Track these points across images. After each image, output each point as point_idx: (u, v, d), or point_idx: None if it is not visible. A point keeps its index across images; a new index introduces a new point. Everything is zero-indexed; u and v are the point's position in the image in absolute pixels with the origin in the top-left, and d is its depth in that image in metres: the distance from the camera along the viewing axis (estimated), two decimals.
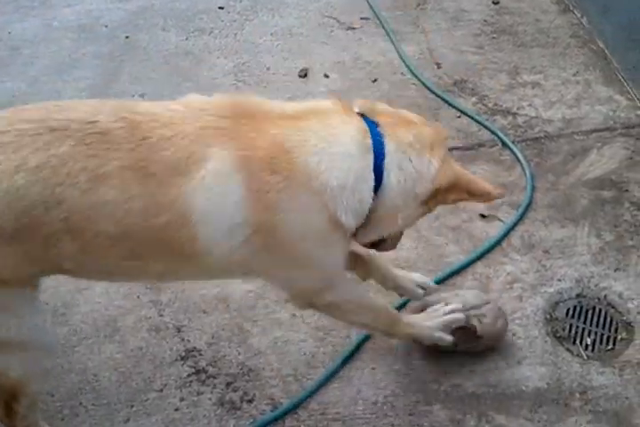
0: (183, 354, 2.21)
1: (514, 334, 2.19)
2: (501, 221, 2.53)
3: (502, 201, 2.52)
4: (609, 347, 2.17)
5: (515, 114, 2.98)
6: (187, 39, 3.58)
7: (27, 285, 1.53)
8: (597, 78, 3.16)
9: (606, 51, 3.27)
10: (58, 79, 3.31)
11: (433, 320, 1.99)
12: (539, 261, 2.40)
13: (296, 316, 2.28)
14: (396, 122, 1.56)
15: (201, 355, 2.20)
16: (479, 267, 2.39)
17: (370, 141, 1.51)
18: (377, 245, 1.80)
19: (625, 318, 2.24)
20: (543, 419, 2.00)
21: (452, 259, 2.42)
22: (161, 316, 2.30)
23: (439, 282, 2.32)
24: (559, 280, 2.34)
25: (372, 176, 1.50)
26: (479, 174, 2.54)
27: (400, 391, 2.08)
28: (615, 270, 2.36)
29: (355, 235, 1.63)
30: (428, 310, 2.04)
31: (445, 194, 1.62)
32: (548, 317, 2.25)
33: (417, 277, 2.14)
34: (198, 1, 3.87)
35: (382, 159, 1.51)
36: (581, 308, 2.27)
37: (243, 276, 1.74)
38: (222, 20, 3.70)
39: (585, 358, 2.13)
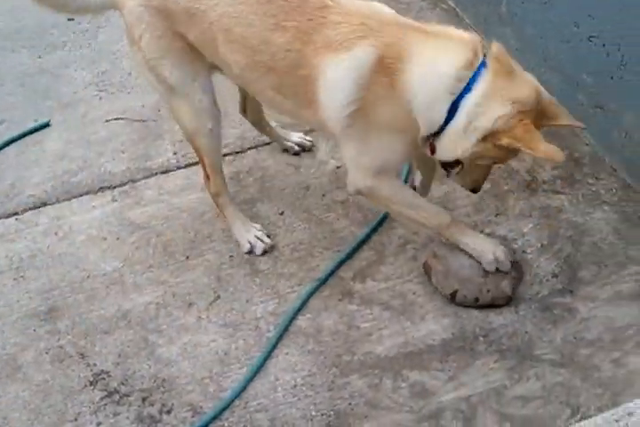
0: (92, 379, 2.25)
1: (414, 293, 2.37)
2: None
3: None
4: None
5: None
6: (40, 57, 3.59)
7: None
8: None
9: (457, 9, 3.51)
10: None
11: (494, 241, 2.28)
12: None
13: (201, 318, 2.38)
14: (502, 70, 1.91)
15: (110, 376, 2.25)
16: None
17: (469, 75, 1.90)
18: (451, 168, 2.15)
19: (512, 258, 2.44)
20: (453, 367, 2.18)
21: (345, 233, 2.57)
22: (61, 345, 2.34)
23: (342, 262, 2.47)
24: None
25: (449, 101, 1.91)
26: None
27: (316, 370, 2.21)
28: (496, 215, 2.57)
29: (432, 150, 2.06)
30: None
31: (500, 137, 1.88)
32: None
33: None
34: (45, 16, 3.83)
35: (467, 93, 1.90)
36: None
37: (334, 135, 2.15)
38: (74, 32, 3.72)
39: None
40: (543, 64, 2.91)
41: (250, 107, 2.73)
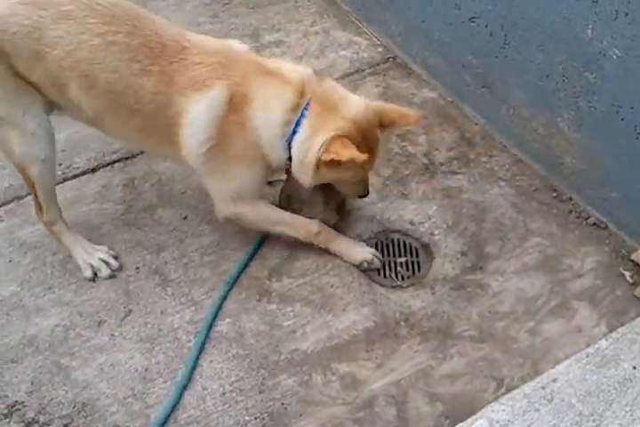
0: (6, 411, 2.16)
1: (332, 286, 2.42)
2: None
3: None
4: (416, 271, 2.48)
5: None
6: None
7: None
8: (334, 25, 3.46)
9: None
10: None
11: (360, 245, 2.50)
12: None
13: (115, 335, 2.32)
14: (321, 110, 2.15)
15: (26, 406, 2.17)
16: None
17: (295, 118, 2.16)
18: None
19: (421, 241, 2.57)
20: (380, 355, 2.25)
21: (253, 231, 2.54)
22: None
23: (249, 261, 2.49)
24: (356, 224, 2.60)
25: (284, 143, 2.20)
26: None
27: (244, 374, 2.22)
28: (400, 201, 2.67)
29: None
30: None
31: (323, 158, 2.14)
32: None
33: None
34: None
35: (295, 134, 2.17)
36: (382, 243, 2.56)
37: (197, 170, 2.32)
38: None
39: (399, 287, 2.42)
40: (427, 47, 3.03)
41: None
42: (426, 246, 2.53)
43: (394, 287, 2.43)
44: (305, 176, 2.24)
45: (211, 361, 2.25)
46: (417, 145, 2.85)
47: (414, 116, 2.25)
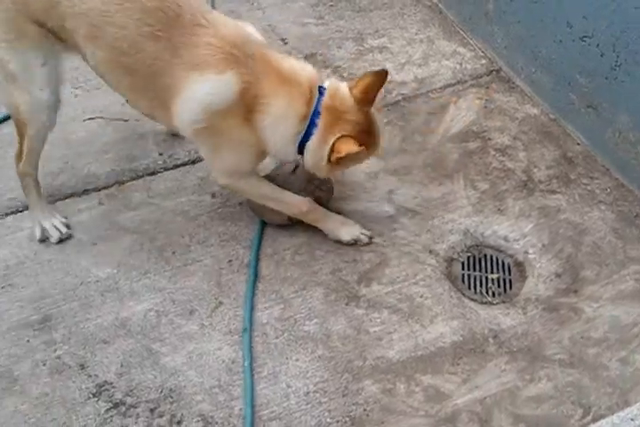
0: (94, 390, 2.21)
1: (421, 296, 2.41)
2: None
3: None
4: (508, 289, 2.45)
5: None
6: None
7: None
8: (438, 34, 3.42)
9: (440, 5, 3.54)
10: None
11: (349, 223, 2.57)
12: (426, 221, 2.63)
13: (205, 325, 2.35)
14: (331, 117, 2.22)
15: (114, 387, 2.22)
16: None
17: (304, 127, 2.22)
18: None
19: (514, 258, 2.53)
20: (466, 369, 2.23)
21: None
22: (58, 356, 2.29)
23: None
24: (449, 236, 2.59)
25: (295, 145, 2.27)
26: None
27: (328, 376, 2.23)
28: (496, 216, 2.64)
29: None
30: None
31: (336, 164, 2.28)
32: (447, 272, 2.49)
33: None
34: None
35: (307, 139, 2.24)
36: (474, 257, 2.53)
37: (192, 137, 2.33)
38: None
39: (489, 303, 2.40)
40: (533, 63, 2.98)
41: None
42: (519, 264, 2.49)
43: (484, 303, 2.40)
44: (319, 173, 2.35)
45: (296, 360, 2.27)
46: (516, 161, 2.81)
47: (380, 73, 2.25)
